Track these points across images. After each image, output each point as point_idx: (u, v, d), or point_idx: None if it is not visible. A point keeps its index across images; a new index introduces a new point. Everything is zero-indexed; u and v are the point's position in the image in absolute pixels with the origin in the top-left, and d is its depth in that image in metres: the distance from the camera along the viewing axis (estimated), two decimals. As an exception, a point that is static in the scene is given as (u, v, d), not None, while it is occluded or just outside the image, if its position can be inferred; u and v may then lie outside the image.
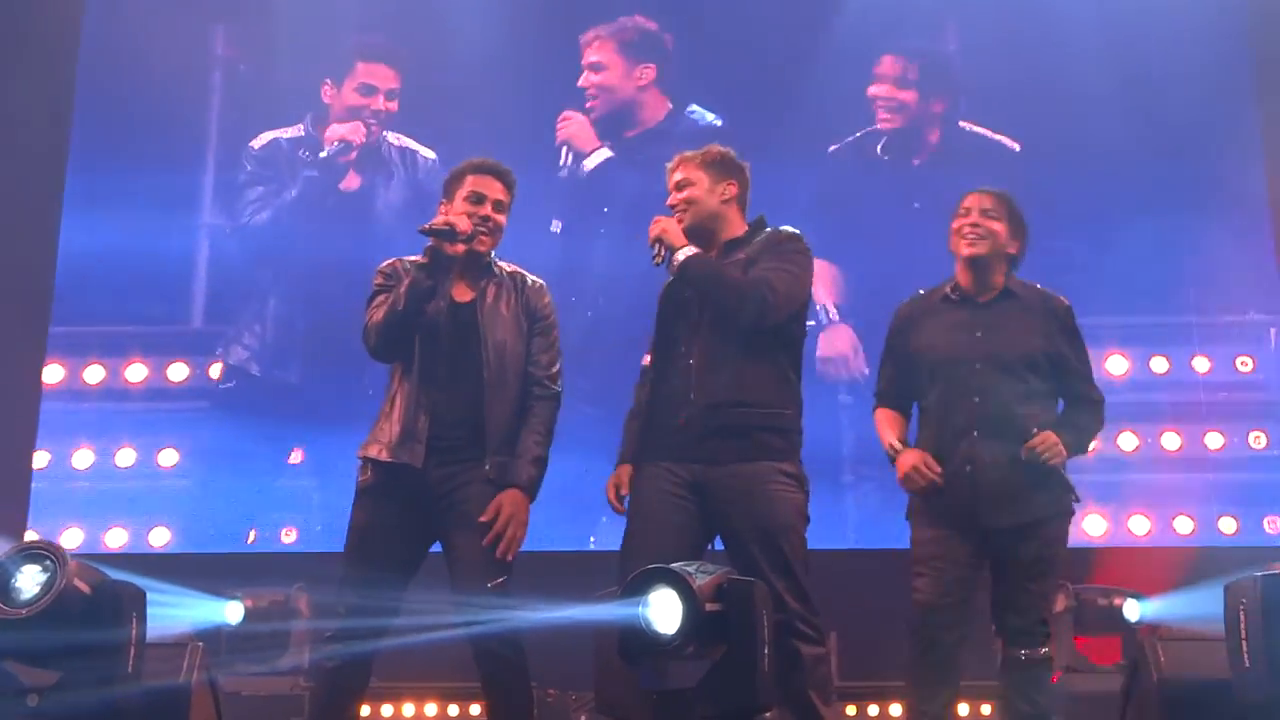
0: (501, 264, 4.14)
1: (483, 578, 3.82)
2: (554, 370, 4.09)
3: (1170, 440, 6.62)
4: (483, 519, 3.85)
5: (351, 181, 7.15)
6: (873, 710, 5.67)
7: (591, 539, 6.39)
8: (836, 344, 6.77)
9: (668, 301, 4.05)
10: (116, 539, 6.67)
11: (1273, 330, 6.74)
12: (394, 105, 7.18)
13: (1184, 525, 6.51)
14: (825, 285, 6.67)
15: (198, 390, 6.94)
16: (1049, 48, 6.96)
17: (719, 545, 3.96)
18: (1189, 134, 6.74)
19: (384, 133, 7.17)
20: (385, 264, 4.13)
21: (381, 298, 4.01)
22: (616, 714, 4.28)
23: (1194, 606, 4.65)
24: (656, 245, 3.94)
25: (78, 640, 3.52)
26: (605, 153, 7.05)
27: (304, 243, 7.01)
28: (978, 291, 4.18)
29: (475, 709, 5.60)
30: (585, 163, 7.05)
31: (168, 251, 7.04)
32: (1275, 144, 6.78)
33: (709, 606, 3.17)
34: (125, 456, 6.80)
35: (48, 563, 3.52)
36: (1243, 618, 3.57)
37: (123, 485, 6.78)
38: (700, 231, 3.98)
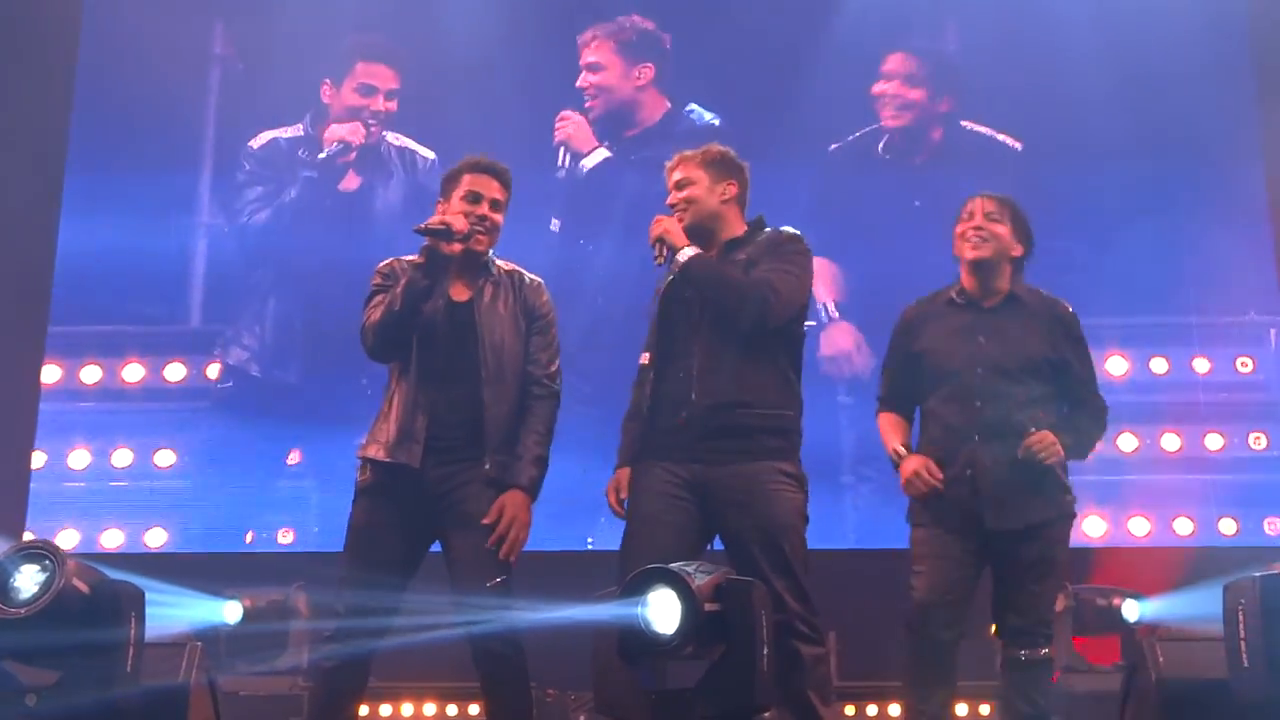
0: (499, 263, 4.13)
1: (482, 577, 3.81)
2: (553, 369, 4.08)
3: (1170, 441, 6.61)
4: (486, 521, 3.85)
5: (350, 182, 7.15)
6: (871, 710, 5.67)
7: (589, 540, 6.39)
8: (838, 342, 6.77)
9: (668, 301, 4.03)
10: (112, 539, 6.66)
11: (1273, 331, 6.74)
12: (393, 105, 7.18)
13: (1184, 526, 6.50)
14: (825, 283, 6.67)
15: (195, 390, 6.93)
16: (1048, 48, 6.95)
17: (718, 546, 3.96)
18: (1189, 134, 6.74)
19: (383, 133, 7.17)
20: (383, 264, 4.13)
21: (379, 298, 4.01)
22: (615, 714, 4.27)
23: (1193, 606, 4.66)
24: (658, 245, 3.94)
25: (76, 640, 3.53)
26: (603, 153, 7.05)
27: (303, 242, 7.01)
28: (982, 296, 4.18)
29: (474, 709, 5.59)
30: (583, 163, 7.04)
31: (165, 251, 7.03)
32: (1275, 144, 6.78)
33: (708, 606, 3.17)
34: (122, 457, 6.80)
35: (46, 562, 3.52)
36: (1241, 618, 3.57)
37: (119, 486, 6.78)
38: (700, 231, 3.98)
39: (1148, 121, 6.76)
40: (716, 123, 6.98)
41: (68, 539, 6.51)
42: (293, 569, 5.90)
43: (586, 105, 7.10)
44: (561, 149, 7.07)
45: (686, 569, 3.22)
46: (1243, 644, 3.56)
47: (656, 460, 3.90)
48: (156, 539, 6.69)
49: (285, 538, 6.72)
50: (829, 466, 6.36)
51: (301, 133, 7.17)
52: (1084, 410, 4.13)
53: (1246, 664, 3.56)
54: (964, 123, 7.04)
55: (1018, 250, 4.19)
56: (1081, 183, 6.80)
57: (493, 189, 4.06)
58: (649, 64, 7.11)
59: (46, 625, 3.46)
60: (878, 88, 7.06)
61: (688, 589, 3.16)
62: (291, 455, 6.83)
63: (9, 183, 6.65)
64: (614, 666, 3.40)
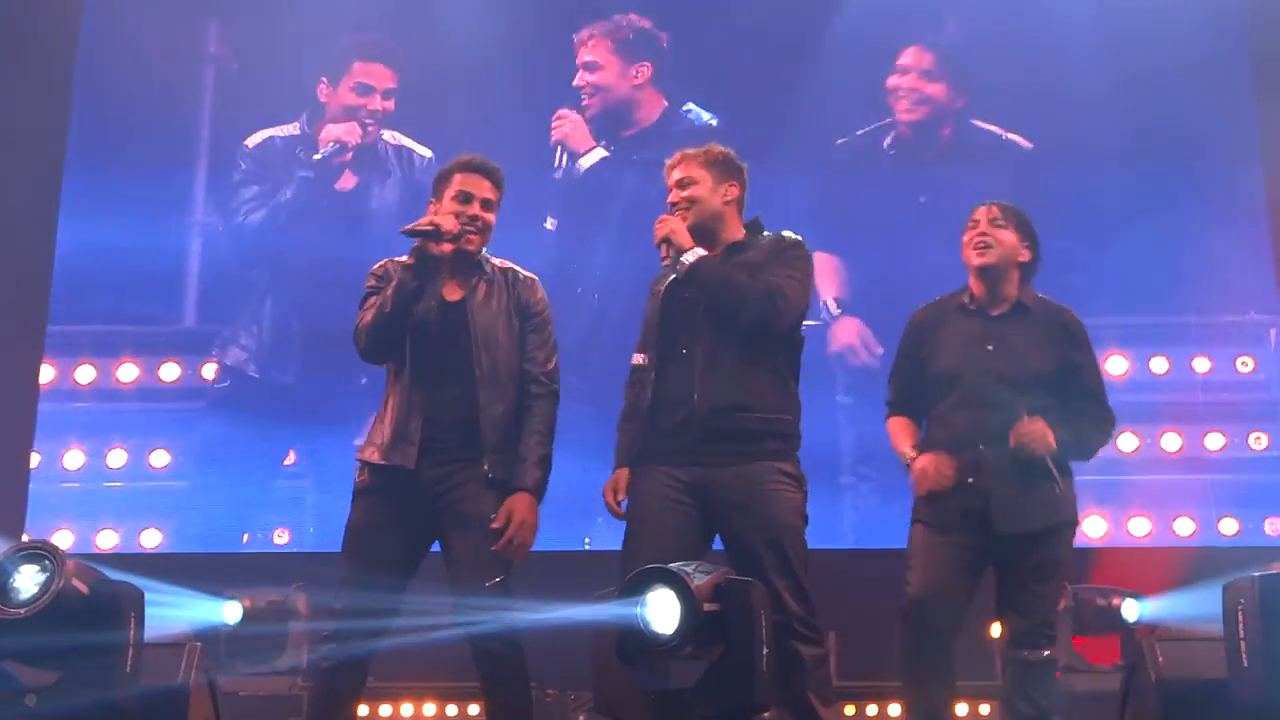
0: (493, 260, 4.12)
1: (481, 577, 3.81)
2: (550, 367, 4.06)
3: (1170, 441, 6.61)
4: (495, 525, 3.84)
5: (347, 181, 7.14)
6: (871, 710, 5.67)
7: (587, 540, 6.38)
8: (842, 337, 6.76)
9: (669, 302, 4.02)
10: (107, 540, 6.65)
11: (1273, 331, 6.72)
12: (390, 105, 7.17)
13: (1184, 527, 6.49)
14: (827, 279, 6.67)
15: (190, 390, 6.91)
16: (1048, 47, 6.95)
17: (718, 547, 3.96)
18: (1188, 133, 6.73)
19: (380, 132, 7.16)
20: (377, 265, 4.12)
21: (373, 300, 4.00)
22: (615, 714, 4.26)
23: (1192, 606, 4.65)
24: (664, 245, 3.93)
25: (76, 640, 3.53)
26: (600, 152, 7.03)
27: (299, 242, 6.98)
28: (990, 303, 4.19)
29: (474, 709, 5.59)
30: (581, 162, 7.03)
31: (160, 251, 7.01)
32: (1274, 143, 6.78)
33: (707, 606, 3.18)
34: (116, 457, 6.79)
35: (46, 563, 3.52)
36: (1241, 618, 3.57)
37: (114, 486, 6.77)
38: (702, 231, 3.97)
39: (1147, 121, 6.76)
40: (714, 123, 6.97)
41: (63, 540, 6.47)
42: (291, 569, 5.90)
43: (583, 104, 7.08)
44: (559, 148, 7.05)
45: (685, 569, 3.22)
46: (1242, 644, 3.56)
47: (656, 464, 3.90)
48: (152, 539, 6.68)
49: (281, 538, 6.71)
50: (828, 466, 6.36)
51: (298, 131, 7.16)
52: (1088, 417, 4.13)
53: (1246, 664, 3.56)
54: (975, 121, 7.03)
55: (1024, 256, 4.20)
56: (1081, 182, 6.80)
57: (484, 188, 4.05)
58: (646, 63, 7.10)
59: (46, 626, 3.46)
60: (892, 80, 7.05)
61: (687, 589, 3.16)
62: (288, 456, 6.82)
63: (10, 183, 6.65)
64: (613, 666, 3.40)
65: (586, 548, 6.37)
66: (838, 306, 6.76)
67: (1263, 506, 6.51)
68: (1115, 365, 6.54)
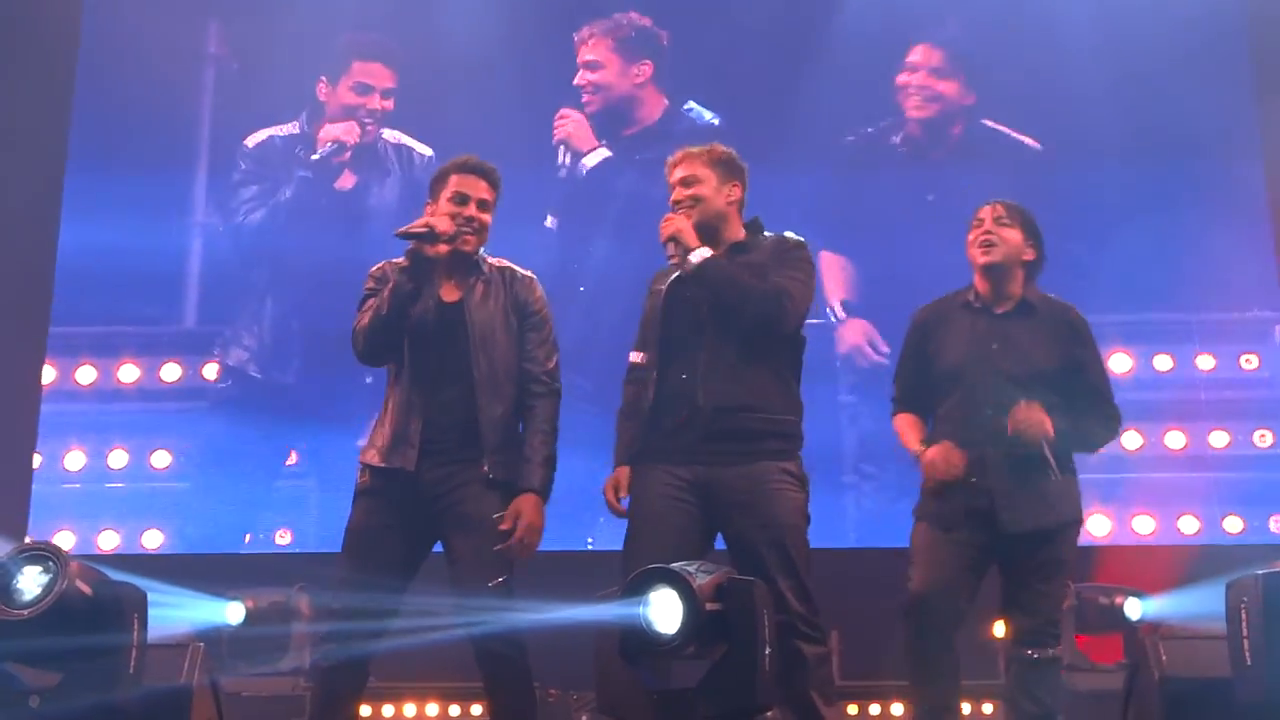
0: (490, 260, 4.11)
1: (483, 578, 3.81)
2: (551, 365, 4.06)
3: (1174, 439, 6.59)
4: (503, 527, 3.84)
5: (346, 180, 7.13)
6: (874, 710, 5.67)
7: (589, 540, 6.38)
8: (850, 339, 6.74)
9: (671, 301, 4.01)
10: (109, 541, 6.64)
11: (1277, 328, 6.70)
12: (389, 104, 7.16)
13: (1189, 525, 6.47)
14: (834, 279, 6.67)
15: (191, 391, 6.90)
16: (1048, 46, 6.94)
17: (719, 547, 3.96)
18: (1192, 131, 6.72)
19: (380, 130, 7.15)
20: (375, 268, 4.11)
21: (371, 302, 3.99)
22: (618, 714, 4.26)
23: (1195, 605, 4.65)
24: (671, 244, 3.93)
25: (79, 642, 3.52)
26: (604, 152, 7.01)
27: (299, 242, 6.97)
28: (995, 301, 4.21)
29: (477, 709, 5.59)
30: (584, 161, 7.01)
31: (160, 251, 6.99)
32: (1275, 141, 6.77)
33: (709, 606, 3.17)
34: (118, 458, 6.78)
35: (49, 564, 3.51)
36: (1244, 615, 3.57)
37: (115, 487, 6.76)
38: (705, 230, 3.97)
39: (1150, 118, 6.75)
40: (716, 122, 6.96)
41: (64, 541, 6.46)
42: (293, 570, 5.89)
43: (584, 102, 7.07)
44: (561, 148, 7.04)
45: (688, 569, 3.22)
46: (1245, 642, 3.56)
47: (657, 463, 3.90)
48: (153, 540, 6.67)
49: (283, 539, 6.71)
50: (830, 465, 6.35)
51: (297, 131, 7.15)
52: (1093, 412, 4.13)
53: (1249, 662, 3.55)
54: (985, 121, 7.01)
55: (1029, 255, 4.22)
56: (1082, 180, 6.80)
57: (480, 189, 4.04)
58: (648, 61, 7.08)
59: (49, 627, 3.45)
60: (902, 78, 7.03)
61: (689, 589, 3.16)
62: (289, 456, 6.82)
63: (11, 184, 6.65)
64: (616, 666, 3.40)
65: (589, 548, 6.36)
66: (844, 310, 6.75)
67: (1267, 504, 6.48)
68: (1119, 363, 6.52)
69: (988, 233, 4.19)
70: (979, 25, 7.11)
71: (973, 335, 4.17)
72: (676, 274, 4.00)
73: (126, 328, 6.98)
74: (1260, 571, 3.57)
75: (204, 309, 7.08)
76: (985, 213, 4.24)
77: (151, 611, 3.71)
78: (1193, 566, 5.52)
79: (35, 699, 3.52)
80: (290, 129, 7.16)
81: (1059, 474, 4.01)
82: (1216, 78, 6.86)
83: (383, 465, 3.92)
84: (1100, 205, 6.77)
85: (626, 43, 7.11)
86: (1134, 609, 5.59)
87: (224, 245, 7.11)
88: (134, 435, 6.81)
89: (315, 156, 7.09)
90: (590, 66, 7.08)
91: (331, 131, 7.12)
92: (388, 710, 5.74)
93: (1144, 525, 6.48)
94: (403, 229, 3.89)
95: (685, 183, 4.02)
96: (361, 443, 4.10)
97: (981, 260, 4.19)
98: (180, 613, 4.88)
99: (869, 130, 7.02)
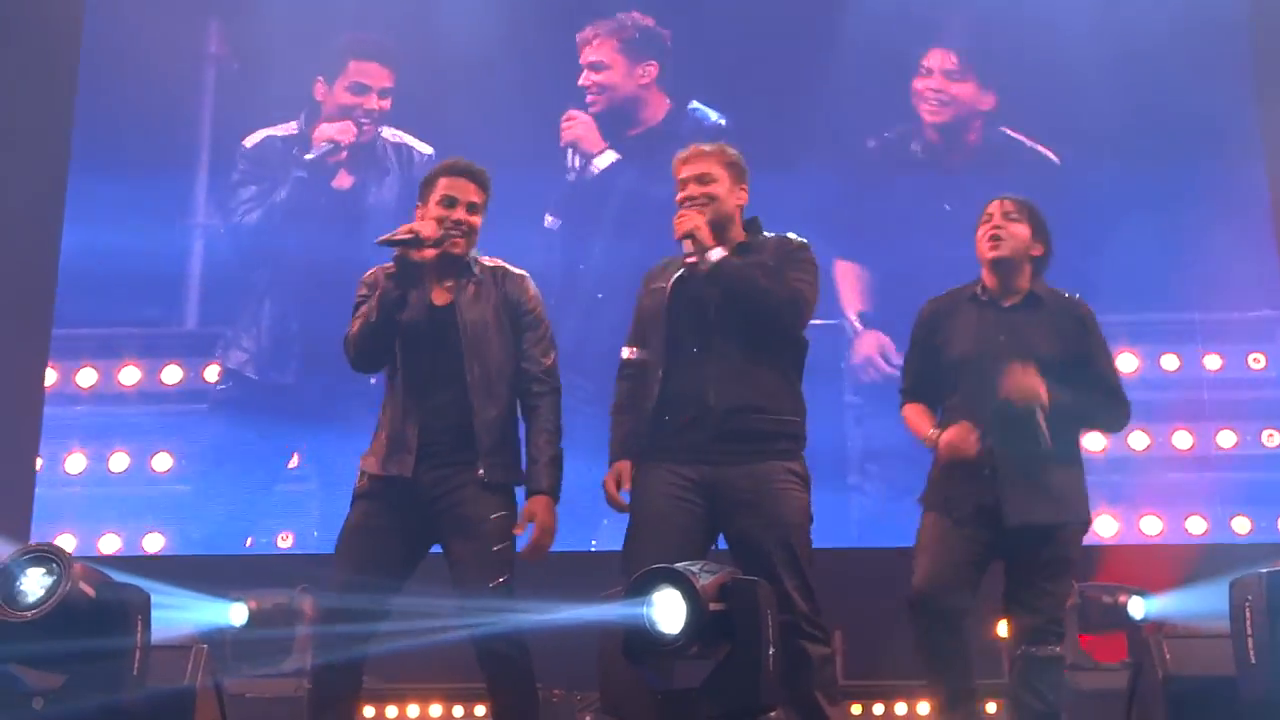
0: (482, 260, 4.09)
1: (484, 579, 3.81)
2: (549, 363, 4.05)
3: (1182, 439, 6.58)
4: (517, 531, 3.86)
5: (344, 180, 7.12)
6: (878, 709, 5.66)
7: (593, 542, 6.36)
8: (864, 350, 6.73)
9: (678, 298, 3.99)
10: (110, 544, 6.63)
11: (1285, 327, 6.70)
12: (386, 104, 7.15)
13: (1196, 525, 6.46)
14: (850, 288, 6.66)
15: (192, 393, 6.89)
16: (1048, 45, 6.94)
17: (721, 547, 3.96)
18: (1198, 130, 6.72)
19: (379, 129, 7.13)
20: (368, 274, 4.11)
21: (363, 309, 3.98)
22: (621, 714, 4.26)
23: (1199, 603, 4.65)
24: (688, 240, 3.91)
25: (83, 644, 3.52)
26: (613, 154, 6.99)
27: (298, 242, 6.96)
28: (1002, 294, 4.22)
29: (480, 710, 5.58)
30: (595, 163, 6.99)
31: (160, 253, 6.99)
32: (1276, 140, 6.76)
33: (713, 606, 3.17)
34: (119, 461, 6.77)
35: (52, 566, 3.51)
36: (1248, 614, 3.56)
37: (116, 490, 6.75)
38: (715, 229, 3.96)
39: (1155, 118, 6.75)
40: (722, 122, 6.95)
41: (65, 544, 6.46)
42: (296, 572, 5.89)
43: (589, 102, 7.06)
44: (570, 150, 7.03)
45: (691, 568, 3.22)
46: (1249, 641, 3.55)
47: (661, 461, 3.90)
48: (155, 543, 6.66)
49: (284, 541, 6.70)
50: (834, 464, 6.34)
51: (295, 131, 7.14)
52: (1100, 394, 4.13)
53: (1253, 661, 3.55)
54: (1003, 128, 6.98)
55: (1037, 250, 4.24)
56: (1089, 180, 6.79)
57: (469, 192, 4.03)
58: (653, 61, 7.08)
59: (53, 629, 3.45)
60: (918, 84, 7.01)
61: (692, 588, 3.16)
62: (292, 459, 6.81)
63: (12, 185, 6.65)
64: (619, 667, 3.39)
65: (593, 549, 6.35)
66: (861, 323, 6.73)
67: (1276, 504, 6.47)
68: (1126, 362, 6.49)
69: (996, 227, 4.21)
70: (986, 26, 7.09)
71: (980, 327, 4.18)
72: (680, 272, 3.99)
73: (126, 330, 6.97)
74: (1264, 570, 3.57)
75: (205, 311, 7.07)
76: (994, 208, 4.26)
77: (155, 613, 3.70)
78: (1196, 565, 5.52)
79: (39, 701, 3.51)
80: (289, 129, 7.15)
81: (1050, 441, 3.99)
82: (1221, 77, 6.87)
83: (381, 473, 3.92)
84: (1107, 205, 6.76)
85: (632, 43, 7.10)
86: (1137, 608, 5.59)
87: (224, 247, 7.10)
88: (135, 438, 6.80)
89: (309, 156, 7.08)
90: (595, 67, 7.07)
91: (326, 131, 7.11)
92: (391, 711, 5.73)
93: (1151, 526, 6.47)
94: (384, 236, 3.87)
95: (700, 180, 4.00)
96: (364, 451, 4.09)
97: (989, 255, 4.21)
98: (183, 614, 4.88)
99: (886, 135, 7.01)
